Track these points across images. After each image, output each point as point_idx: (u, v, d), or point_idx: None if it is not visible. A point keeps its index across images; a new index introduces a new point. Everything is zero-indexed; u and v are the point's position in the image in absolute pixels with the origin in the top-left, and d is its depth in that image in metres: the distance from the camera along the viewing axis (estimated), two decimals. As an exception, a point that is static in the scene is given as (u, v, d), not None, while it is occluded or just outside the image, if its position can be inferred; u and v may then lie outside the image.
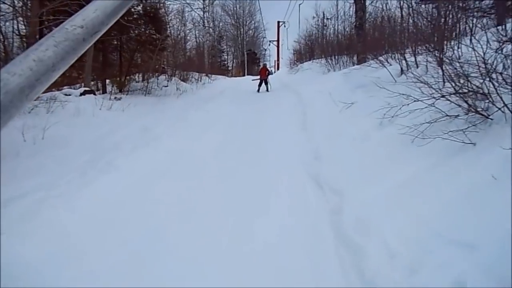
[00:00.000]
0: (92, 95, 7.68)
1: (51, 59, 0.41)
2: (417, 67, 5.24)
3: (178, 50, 18.61)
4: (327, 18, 20.82)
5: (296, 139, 5.23)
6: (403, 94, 3.66)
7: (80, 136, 4.99)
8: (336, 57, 11.91)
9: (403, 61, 5.75)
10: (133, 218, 2.79)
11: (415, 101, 3.43)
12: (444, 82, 3.59)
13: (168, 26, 14.82)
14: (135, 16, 9.08)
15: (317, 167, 3.87)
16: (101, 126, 5.76)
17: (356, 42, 10.07)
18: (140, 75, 11.92)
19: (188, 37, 28.25)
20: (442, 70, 3.71)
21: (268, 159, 4.32)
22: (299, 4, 26.48)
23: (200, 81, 17.40)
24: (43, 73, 0.40)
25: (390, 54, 6.46)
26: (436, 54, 4.27)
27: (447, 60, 3.54)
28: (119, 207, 2.95)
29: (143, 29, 9.66)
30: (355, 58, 10.93)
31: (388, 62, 6.41)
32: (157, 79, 11.84)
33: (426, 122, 3.15)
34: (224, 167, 4.04)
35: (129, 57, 10.43)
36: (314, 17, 21.27)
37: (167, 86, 11.75)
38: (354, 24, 10.03)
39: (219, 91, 12.47)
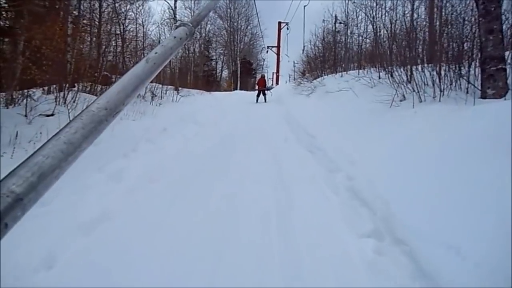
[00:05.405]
0: None
1: (79, 140, 0.43)
2: None
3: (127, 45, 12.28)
4: (340, 22, 15.90)
5: None
6: None
7: None
8: (408, 67, 5.70)
9: None
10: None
11: None
12: None
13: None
14: None
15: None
16: None
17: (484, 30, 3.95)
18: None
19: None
20: None
21: None
22: (304, 6, 21.06)
23: (161, 98, 11.17)
24: (71, 153, 0.41)
25: None
26: None
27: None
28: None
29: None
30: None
31: None
32: (28, 97, 5.43)
33: None
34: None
35: None
36: (324, 21, 15.96)
37: (52, 114, 5.53)
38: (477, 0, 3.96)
39: (162, 128, 5.94)
